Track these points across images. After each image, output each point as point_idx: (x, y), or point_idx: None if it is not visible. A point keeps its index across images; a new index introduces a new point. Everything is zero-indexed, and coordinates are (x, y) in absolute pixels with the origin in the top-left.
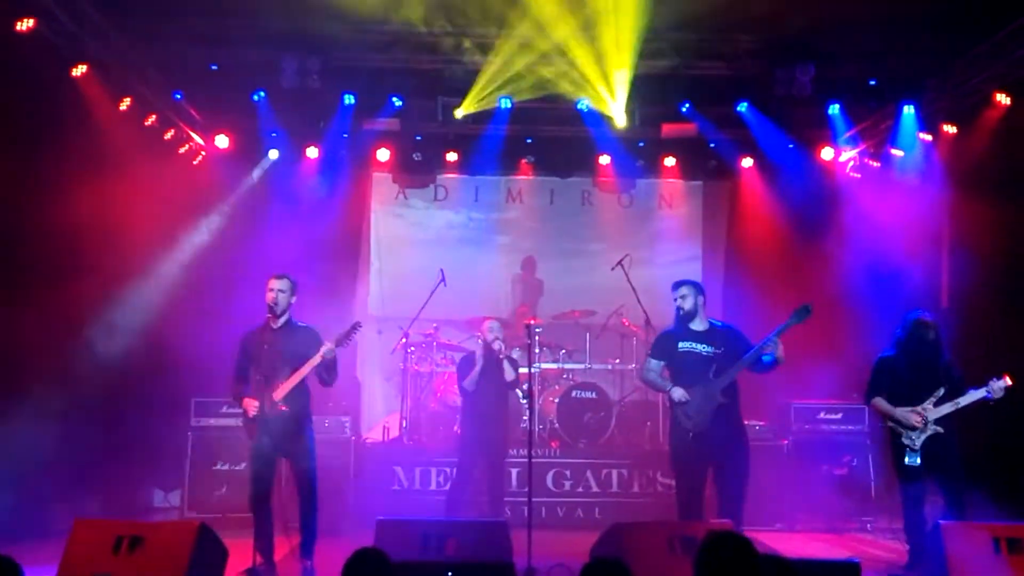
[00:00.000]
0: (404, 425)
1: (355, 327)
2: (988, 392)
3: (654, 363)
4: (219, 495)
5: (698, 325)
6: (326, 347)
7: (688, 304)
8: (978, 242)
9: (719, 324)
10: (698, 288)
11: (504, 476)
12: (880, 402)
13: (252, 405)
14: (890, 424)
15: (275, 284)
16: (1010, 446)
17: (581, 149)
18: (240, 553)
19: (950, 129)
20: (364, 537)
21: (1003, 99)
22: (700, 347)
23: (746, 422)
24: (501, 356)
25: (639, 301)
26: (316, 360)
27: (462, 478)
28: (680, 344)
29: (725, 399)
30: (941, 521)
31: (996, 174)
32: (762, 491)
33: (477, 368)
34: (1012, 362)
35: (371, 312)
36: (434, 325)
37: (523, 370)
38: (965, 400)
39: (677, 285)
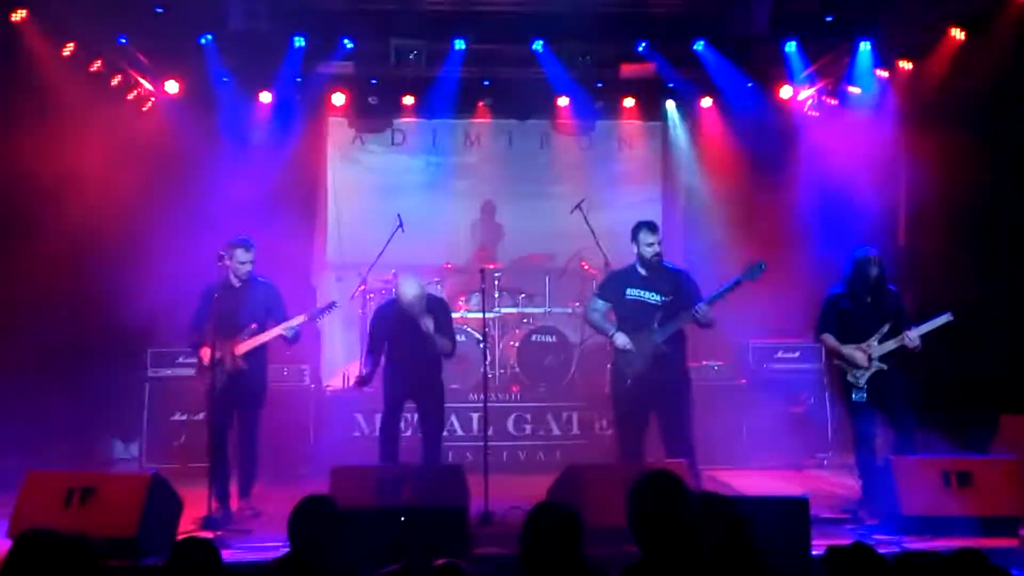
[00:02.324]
0: (363, 372)
1: (330, 306)
2: (906, 340)
3: (600, 303)
4: (177, 445)
5: (653, 271)
6: (296, 320)
7: (658, 249)
8: (934, 177)
9: (672, 268)
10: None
11: (440, 421)
12: (828, 338)
13: (208, 354)
14: (837, 361)
15: (244, 256)
16: (957, 379)
17: (539, 91)
18: (199, 502)
19: (906, 65)
20: (325, 485)
21: (957, 34)
22: (648, 295)
23: (704, 362)
24: (424, 328)
25: (598, 244)
26: (280, 330)
27: (388, 426)
28: (628, 291)
29: (668, 347)
30: (891, 456)
31: (951, 109)
32: (721, 430)
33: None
34: (965, 294)
35: (329, 259)
36: (392, 271)
37: (479, 315)
38: (905, 339)
39: (653, 228)
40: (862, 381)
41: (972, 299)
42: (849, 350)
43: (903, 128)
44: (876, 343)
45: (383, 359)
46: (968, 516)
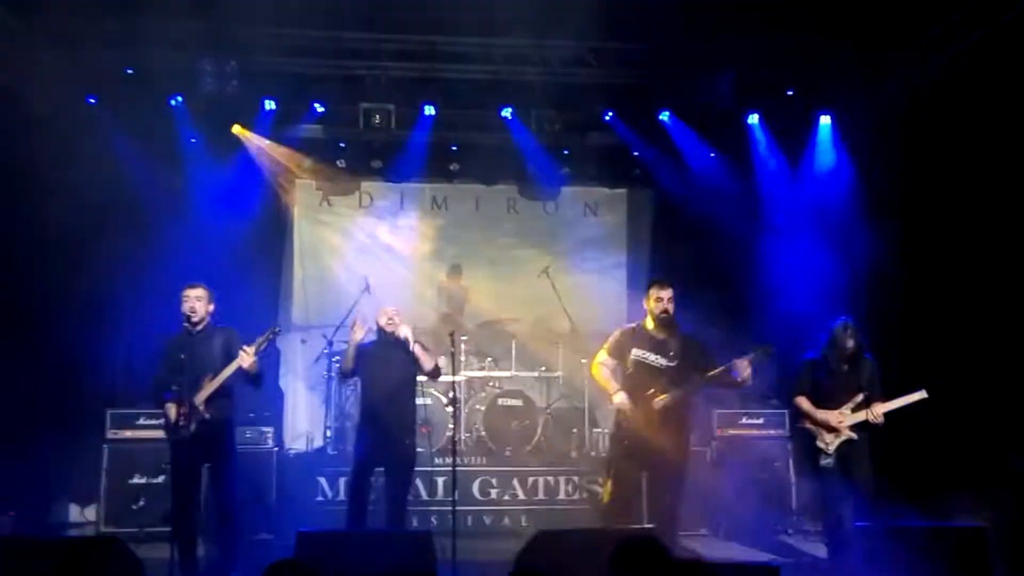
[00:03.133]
0: (328, 435)
1: (274, 331)
2: (870, 416)
3: (607, 359)
4: (137, 509)
5: (663, 332)
6: (244, 353)
7: (666, 307)
8: (893, 248)
9: (684, 332)
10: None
11: (407, 486)
12: (803, 402)
13: (172, 408)
14: (808, 426)
15: (191, 293)
16: (923, 446)
17: (506, 157)
18: (159, 567)
19: (866, 139)
20: (286, 550)
21: (916, 110)
22: (653, 357)
23: None
24: (409, 342)
25: (564, 309)
26: (234, 367)
27: (357, 490)
28: (634, 351)
29: (667, 413)
30: (857, 523)
31: (911, 184)
32: (687, 496)
33: (349, 353)
34: (921, 368)
35: (294, 321)
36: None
37: (448, 378)
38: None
39: (665, 284)
40: (831, 448)
41: (931, 367)
42: (823, 415)
43: (863, 200)
44: (849, 411)
45: (358, 411)
46: None
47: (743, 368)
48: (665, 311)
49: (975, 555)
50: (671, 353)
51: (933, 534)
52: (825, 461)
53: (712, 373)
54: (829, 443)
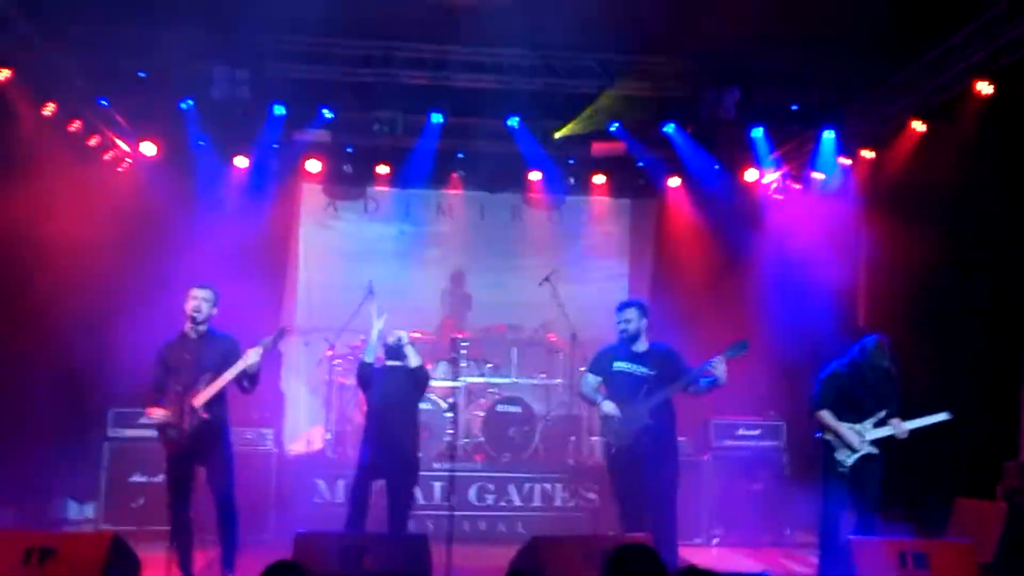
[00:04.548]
0: (328, 438)
1: (282, 332)
2: (896, 431)
3: (591, 378)
4: (136, 507)
5: (639, 346)
6: (253, 352)
7: (632, 327)
8: (892, 262)
9: (660, 346)
10: (643, 310)
11: (409, 491)
12: (825, 415)
13: (156, 411)
14: (828, 437)
15: (198, 293)
16: (920, 463)
17: (511, 165)
18: (158, 566)
19: (868, 154)
20: (285, 550)
21: (918, 126)
22: (634, 368)
23: None
24: (399, 344)
25: (566, 316)
26: (240, 366)
27: (357, 496)
28: (615, 363)
29: (652, 420)
30: (851, 537)
31: (910, 198)
32: (683, 505)
33: (372, 342)
34: (922, 378)
35: (298, 324)
36: (361, 338)
37: (448, 383)
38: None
39: (623, 307)
40: (849, 462)
41: (928, 383)
42: (846, 429)
43: (863, 213)
44: (871, 427)
45: (363, 418)
46: None
47: (718, 365)
48: (624, 330)
49: (963, 569)
50: (650, 364)
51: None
52: (841, 470)
53: (689, 376)
54: (847, 457)
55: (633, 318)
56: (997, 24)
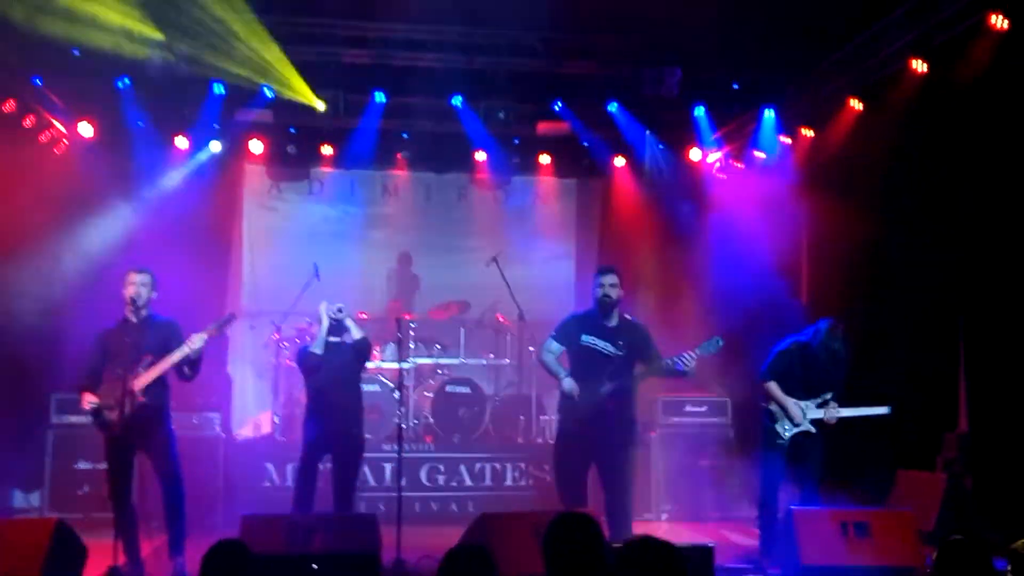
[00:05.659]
0: (276, 421)
1: (229, 318)
2: (825, 416)
3: (555, 346)
4: (82, 494)
5: (611, 320)
6: (197, 337)
7: (615, 295)
8: (833, 238)
9: (632, 323)
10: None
11: (355, 472)
12: (773, 386)
13: (89, 398)
14: (772, 407)
15: (135, 278)
16: (860, 435)
17: (457, 145)
18: (105, 553)
19: (808, 132)
20: (235, 534)
21: (856, 104)
22: (602, 344)
23: None
24: (344, 319)
25: (513, 297)
26: (184, 351)
27: (305, 474)
28: (583, 336)
29: (613, 400)
30: (793, 507)
31: (849, 175)
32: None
33: (322, 331)
34: (863, 353)
35: (243, 306)
36: (307, 320)
37: (394, 365)
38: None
39: (606, 271)
40: (788, 435)
41: (869, 356)
42: (791, 403)
43: (804, 191)
44: (814, 407)
45: (305, 401)
46: (866, 566)
47: (689, 361)
48: (607, 296)
49: (904, 537)
50: (620, 343)
51: (864, 517)
52: (780, 441)
53: (657, 365)
54: (787, 430)
55: (617, 283)
56: (931, 3)
